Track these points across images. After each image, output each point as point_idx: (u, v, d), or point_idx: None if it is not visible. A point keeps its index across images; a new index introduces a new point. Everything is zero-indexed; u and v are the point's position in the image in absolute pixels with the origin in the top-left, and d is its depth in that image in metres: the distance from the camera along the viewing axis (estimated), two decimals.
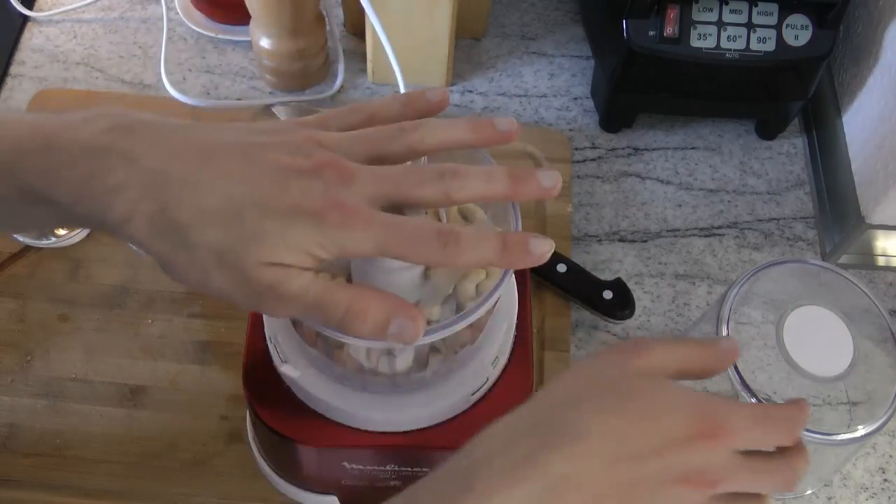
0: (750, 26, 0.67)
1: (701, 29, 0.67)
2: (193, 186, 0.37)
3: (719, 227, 0.73)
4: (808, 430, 0.50)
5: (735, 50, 0.68)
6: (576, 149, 0.76)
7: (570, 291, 0.67)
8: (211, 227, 0.37)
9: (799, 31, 0.68)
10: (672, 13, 0.67)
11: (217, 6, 0.79)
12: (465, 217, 0.47)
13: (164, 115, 0.41)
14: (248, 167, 0.38)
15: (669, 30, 0.67)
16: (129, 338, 0.64)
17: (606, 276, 0.69)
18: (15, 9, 0.80)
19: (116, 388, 0.62)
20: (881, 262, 0.72)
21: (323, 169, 0.38)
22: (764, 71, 0.70)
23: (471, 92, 0.79)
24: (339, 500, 0.56)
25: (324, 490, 0.55)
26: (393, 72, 0.71)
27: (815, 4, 0.67)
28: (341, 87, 0.78)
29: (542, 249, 0.39)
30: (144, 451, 0.60)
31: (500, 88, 0.79)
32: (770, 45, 0.68)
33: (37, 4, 0.82)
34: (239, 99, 0.77)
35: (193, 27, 0.80)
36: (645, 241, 0.72)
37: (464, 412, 0.49)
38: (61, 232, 0.67)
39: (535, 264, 0.39)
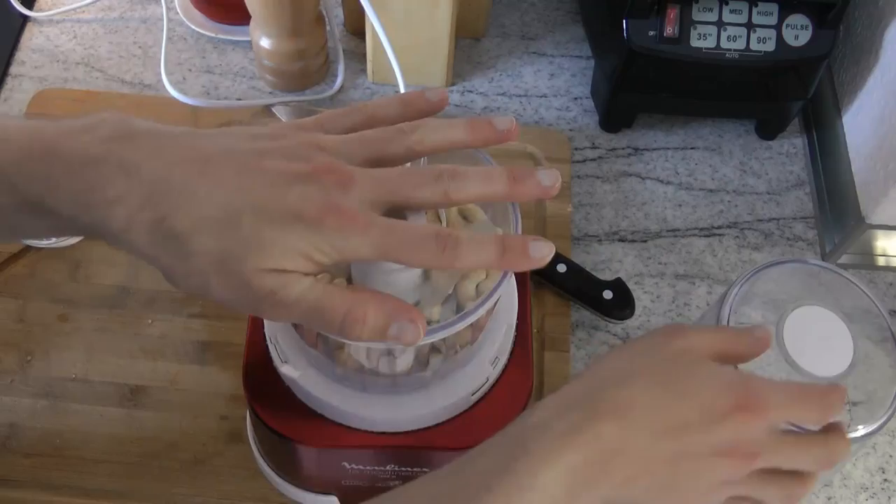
0: (750, 26, 0.67)
1: (701, 29, 0.67)
2: (192, 195, 0.37)
3: (719, 227, 0.73)
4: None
5: (735, 50, 0.68)
6: (576, 149, 0.76)
7: (570, 291, 0.67)
8: (210, 234, 0.37)
9: (799, 31, 0.68)
10: (672, 13, 0.67)
11: (217, 6, 0.79)
12: (465, 217, 0.47)
13: (162, 121, 0.41)
14: (247, 174, 0.38)
15: (669, 30, 0.67)
16: (129, 338, 0.64)
17: (606, 276, 0.69)
18: (15, 9, 0.80)
19: (116, 388, 0.62)
20: (881, 262, 0.72)
21: (322, 174, 0.38)
22: (764, 71, 0.70)
23: (471, 92, 0.79)
24: (339, 501, 0.56)
25: (324, 490, 0.55)
26: (393, 72, 0.71)
27: (815, 4, 0.67)
28: (341, 87, 0.78)
29: (541, 253, 0.39)
30: (144, 451, 0.60)
31: (500, 88, 0.79)
32: (770, 45, 0.68)
33: (37, 4, 0.82)
34: (239, 99, 0.77)
35: (193, 27, 0.80)
36: (645, 241, 0.72)
37: (464, 412, 0.49)
38: None
39: (535, 268, 0.39)
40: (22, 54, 0.79)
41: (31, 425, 0.60)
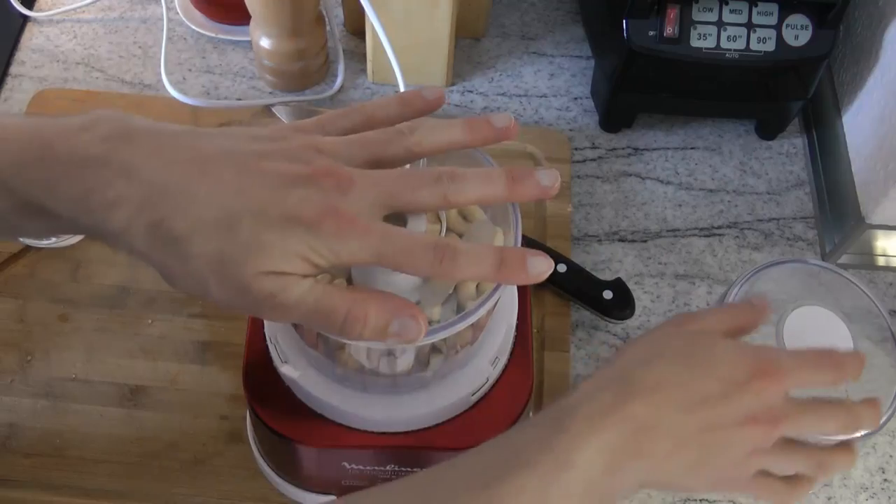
0: (750, 26, 0.67)
1: (701, 29, 0.67)
2: (191, 197, 0.37)
3: (719, 227, 0.73)
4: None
5: (735, 50, 0.68)
6: (576, 149, 0.76)
7: (570, 291, 0.67)
8: (209, 237, 0.37)
9: (799, 31, 0.68)
10: (672, 13, 0.67)
11: (217, 6, 0.79)
12: (465, 217, 0.47)
13: (162, 120, 0.41)
14: (246, 176, 0.38)
15: (669, 30, 0.67)
16: (129, 338, 0.64)
17: (606, 276, 0.69)
18: (15, 9, 0.80)
19: (116, 388, 0.62)
20: (881, 262, 0.72)
21: (321, 177, 0.38)
22: (764, 71, 0.70)
23: (471, 92, 0.79)
24: None
25: (324, 490, 0.55)
26: (393, 72, 0.71)
27: (815, 4, 0.67)
28: (341, 87, 0.78)
29: (539, 269, 0.39)
30: (144, 451, 0.60)
31: (500, 88, 0.79)
32: (770, 45, 0.68)
33: (37, 4, 0.82)
34: (239, 99, 0.77)
35: (193, 27, 0.80)
36: (645, 241, 0.72)
37: (464, 412, 0.49)
38: None
39: (532, 283, 0.39)
40: (22, 54, 0.79)
41: (31, 425, 0.60)
